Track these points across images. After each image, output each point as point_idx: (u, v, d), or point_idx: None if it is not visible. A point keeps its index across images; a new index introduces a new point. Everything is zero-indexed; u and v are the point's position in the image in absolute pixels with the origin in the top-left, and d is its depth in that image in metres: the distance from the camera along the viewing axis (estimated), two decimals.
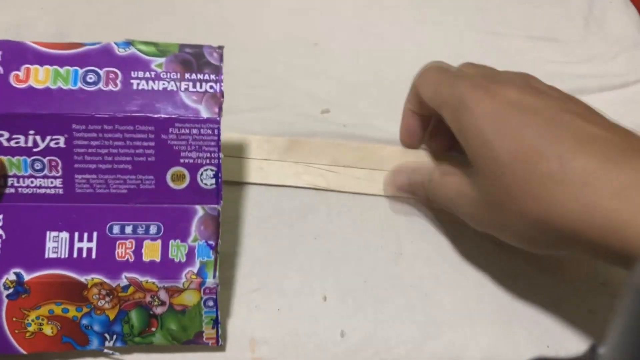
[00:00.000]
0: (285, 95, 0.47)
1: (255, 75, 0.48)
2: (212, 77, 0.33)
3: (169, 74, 0.33)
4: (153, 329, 0.33)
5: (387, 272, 0.39)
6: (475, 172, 0.32)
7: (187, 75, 0.33)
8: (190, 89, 0.34)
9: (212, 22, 0.51)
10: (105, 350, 0.34)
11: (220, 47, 0.34)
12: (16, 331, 0.34)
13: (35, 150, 0.33)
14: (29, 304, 0.33)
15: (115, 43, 0.34)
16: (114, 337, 0.33)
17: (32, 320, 0.33)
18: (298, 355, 0.36)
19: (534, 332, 0.37)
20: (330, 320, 0.37)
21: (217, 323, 0.33)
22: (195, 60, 0.34)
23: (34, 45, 0.33)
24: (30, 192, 0.33)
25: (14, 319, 0.33)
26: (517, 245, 0.33)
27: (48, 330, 0.34)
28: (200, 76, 0.33)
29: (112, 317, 0.33)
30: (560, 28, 0.52)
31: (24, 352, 0.34)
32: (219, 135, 0.33)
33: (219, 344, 0.34)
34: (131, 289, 0.33)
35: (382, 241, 0.40)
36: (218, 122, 0.33)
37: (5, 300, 0.33)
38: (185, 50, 0.34)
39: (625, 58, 0.51)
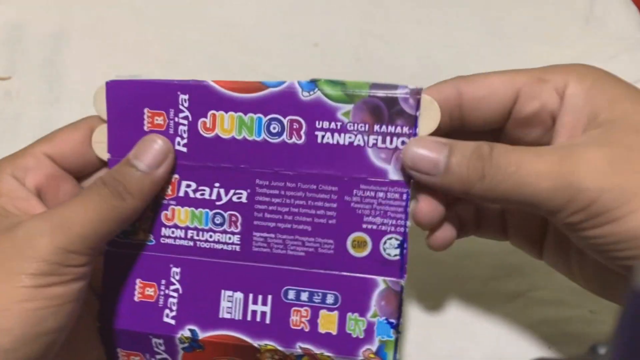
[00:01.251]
0: None
1: (254, 76, 0.45)
2: (405, 130, 0.29)
3: (356, 124, 0.30)
4: None
5: None
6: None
7: (376, 127, 0.30)
8: (379, 144, 0.30)
9: (212, 21, 0.50)
10: None
11: (419, 91, 0.29)
12: None
13: (217, 203, 0.32)
14: (204, 358, 0.33)
15: (299, 83, 0.31)
16: None
17: None
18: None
19: (536, 333, 0.37)
20: None
21: None
22: (387, 107, 0.30)
23: (216, 86, 0.31)
24: (208, 246, 0.32)
25: None
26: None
27: None
28: (391, 129, 0.30)
29: None
30: (561, 28, 0.51)
31: None
32: (407, 200, 0.30)
33: None
34: (305, 359, 0.31)
35: None
36: (407, 186, 0.30)
37: (181, 352, 0.33)
38: (377, 94, 0.30)
39: (625, 58, 0.49)
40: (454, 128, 0.30)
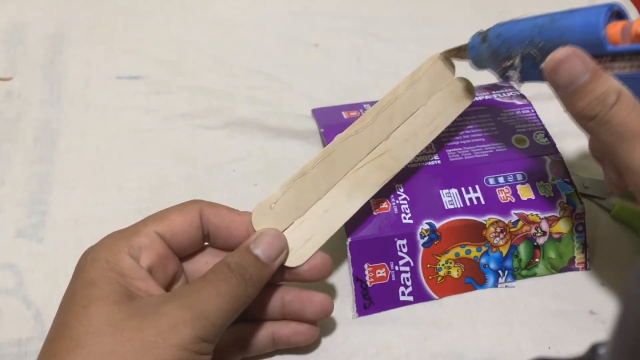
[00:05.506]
0: (286, 96, 0.48)
1: (255, 76, 0.49)
2: (510, 90, 0.47)
3: (481, 93, 0.47)
4: (536, 260, 0.39)
5: None
6: None
7: (492, 92, 0.47)
8: (499, 96, 0.46)
9: (212, 22, 0.52)
10: (499, 287, 0.39)
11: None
12: (430, 277, 0.38)
13: None
14: (440, 250, 0.39)
15: None
16: (506, 272, 0.39)
17: (442, 265, 0.39)
18: (299, 354, 0.36)
19: (535, 333, 0.37)
20: (332, 321, 0.37)
21: (586, 247, 0.40)
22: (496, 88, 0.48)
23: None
24: (416, 166, 0.41)
25: (428, 266, 0.38)
26: None
27: (454, 272, 0.38)
28: (501, 91, 0.47)
29: (504, 252, 0.39)
30: None
31: (436, 297, 0.37)
32: (535, 112, 0.45)
33: (588, 269, 0.40)
34: (520, 224, 0.39)
35: None
36: (530, 105, 0.45)
37: (422, 249, 0.38)
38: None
39: None
40: None
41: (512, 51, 0.34)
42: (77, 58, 0.49)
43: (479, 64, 0.37)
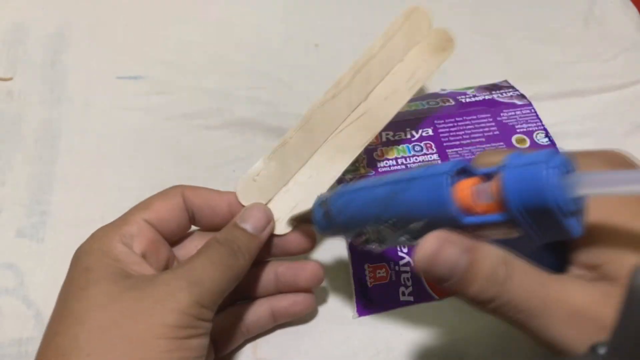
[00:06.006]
0: (286, 96, 0.48)
1: (255, 76, 0.49)
2: (510, 90, 0.48)
3: (481, 93, 0.47)
4: None
5: None
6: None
7: (492, 92, 0.47)
8: (499, 96, 0.47)
9: (212, 22, 0.52)
10: None
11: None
12: None
13: (412, 139, 0.43)
14: None
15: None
16: None
17: None
18: (299, 355, 0.36)
19: None
20: (332, 321, 0.37)
21: None
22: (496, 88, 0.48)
23: None
24: (417, 165, 0.42)
25: None
26: None
27: None
28: (501, 91, 0.48)
29: None
30: (560, 28, 0.53)
31: (437, 297, 0.37)
32: (535, 112, 0.45)
33: None
34: None
35: None
36: (530, 105, 0.46)
37: None
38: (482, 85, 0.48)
39: (624, 58, 0.51)
40: None
41: (363, 228, 0.29)
42: (78, 58, 0.49)
43: (331, 235, 0.34)
